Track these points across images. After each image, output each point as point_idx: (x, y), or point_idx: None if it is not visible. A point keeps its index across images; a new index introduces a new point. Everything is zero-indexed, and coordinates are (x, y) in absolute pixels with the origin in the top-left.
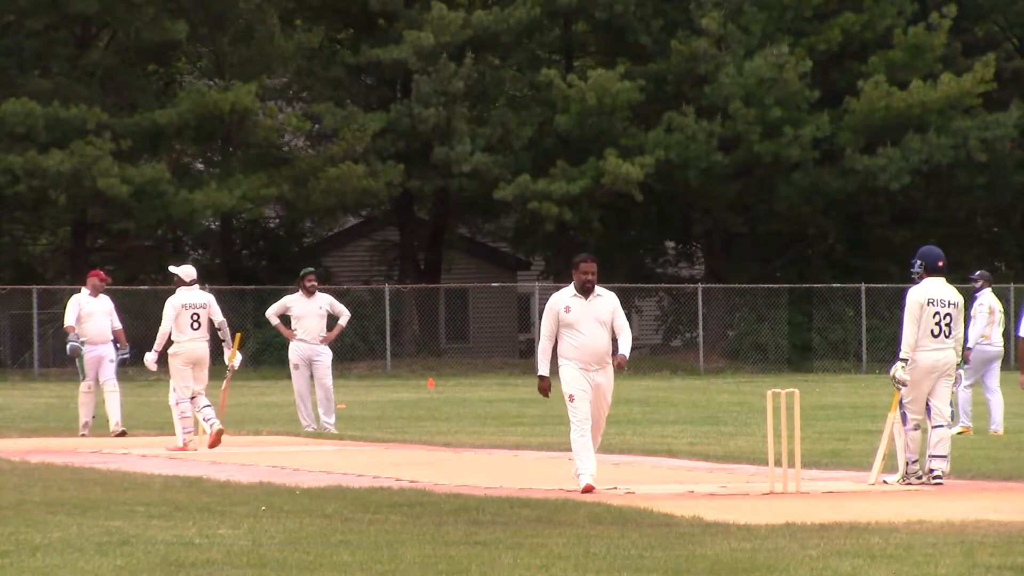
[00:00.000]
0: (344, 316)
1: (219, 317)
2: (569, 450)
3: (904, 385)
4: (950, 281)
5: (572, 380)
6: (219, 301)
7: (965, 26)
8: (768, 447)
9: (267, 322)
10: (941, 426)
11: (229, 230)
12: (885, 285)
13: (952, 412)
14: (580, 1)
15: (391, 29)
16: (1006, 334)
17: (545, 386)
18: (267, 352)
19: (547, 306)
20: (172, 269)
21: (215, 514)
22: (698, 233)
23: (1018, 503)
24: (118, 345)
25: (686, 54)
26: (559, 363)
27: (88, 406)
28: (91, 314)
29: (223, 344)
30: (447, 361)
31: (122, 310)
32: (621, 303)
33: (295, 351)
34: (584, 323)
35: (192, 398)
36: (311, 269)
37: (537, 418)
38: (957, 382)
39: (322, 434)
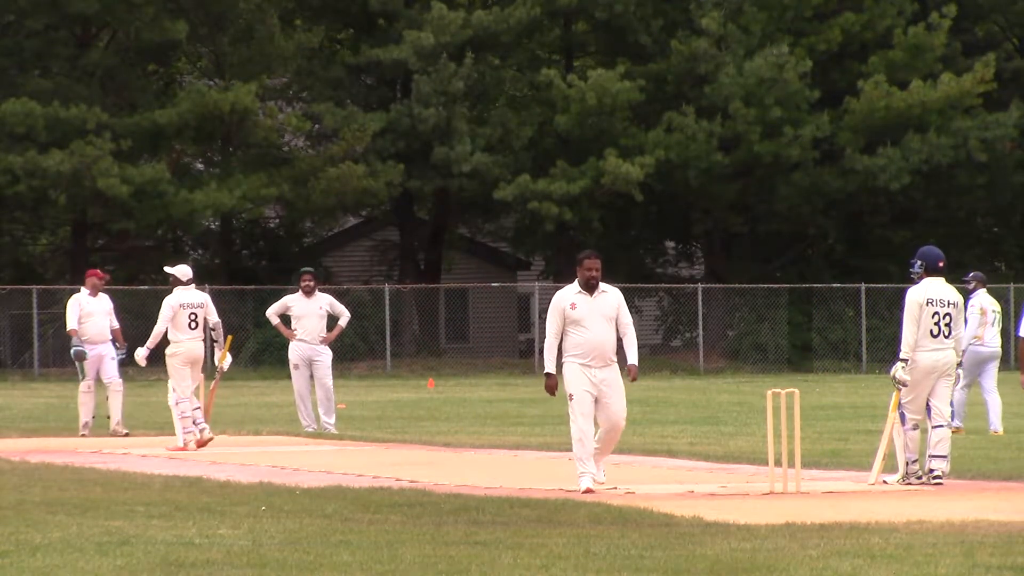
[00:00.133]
0: (344, 316)
1: (214, 318)
2: (569, 450)
3: (904, 385)
4: (947, 281)
5: (574, 379)
6: (219, 301)
7: (965, 26)
8: (768, 447)
9: (267, 322)
10: (941, 426)
11: (229, 230)
12: (885, 285)
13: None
14: (580, 1)
15: (391, 29)
16: (1006, 334)
17: (552, 384)
18: (267, 352)
19: (552, 304)
20: (168, 269)
21: (215, 514)
22: (698, 233)
23: (1018, 503)
24: (116, 344)
25: (686, 54)
26: (563, 360)
27: (88, 406)
28: (91, 314)
29: (215, 345)
30: (447, 361)
31: (122, 310)
32: None
33: (295, 351)
34: (590, 320)
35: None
36: (308, 269)
37: (537, 418)
38: (957, 382)
39: (322, 434)
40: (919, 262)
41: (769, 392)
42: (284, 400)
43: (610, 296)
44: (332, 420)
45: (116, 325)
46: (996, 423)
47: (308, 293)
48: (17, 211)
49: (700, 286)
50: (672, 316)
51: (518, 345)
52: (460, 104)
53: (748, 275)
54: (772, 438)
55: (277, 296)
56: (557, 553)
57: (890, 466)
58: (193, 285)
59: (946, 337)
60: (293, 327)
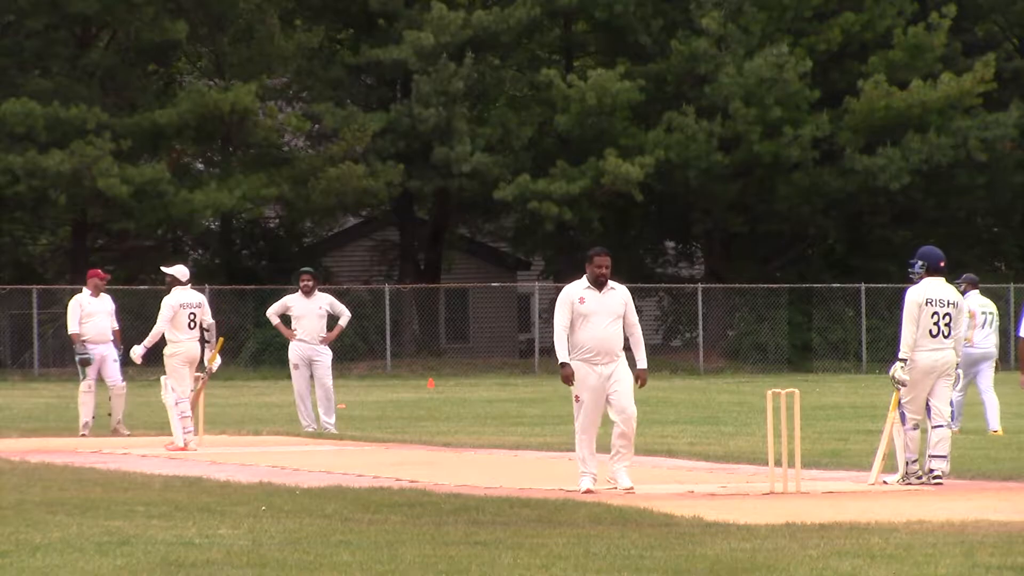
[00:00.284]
0: (344, 316)
1: (209, 319)
2: (570, 450)
3: (903, 385)
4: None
5: (581, 380)
6: (219, 301)
7: (965, 26)
8: (768, 447)
9: (267, 322)
10: (941, 426)
11: (229, 230)
12: (885, 285)
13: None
14: (580, 1)
15: (391, 29)
16: (1006, 334)
17: (568, 372)
18: (267, 352)
19: (561, 297)
20: (166, 270)
21: (215, 514)
22: (698, 233)
23: (1018, 503)
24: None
25: (686, 54)
26: (569, 359)
27: (88, 406)
28: (92, 314)
29: (207, 345)
30: (447, 361)
31: (122, 310)
32: None
33: (295, 351)
34: (598, 315)
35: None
36: (307, 269)
37: (537, 418)
38: (957, 382)
39: (322, 434)
40: (920, 262)
41: (769, 392)
42: (284, 400)
43: (619, 293)
44: (332, 420)
45: (116, 326)
46: (994, 422)
47: (307, 293)
48: (17, 211)
49: (700, 286)
50: (672, 316)
51: (518, 345)
52: (460, 104)
53: (748, 275)
54: (772, 438)
55: (277, 296)
56: (557, 553)
57: (890, 466)
58: (190, 285)
59: (945, 337)
60: (293, 327)
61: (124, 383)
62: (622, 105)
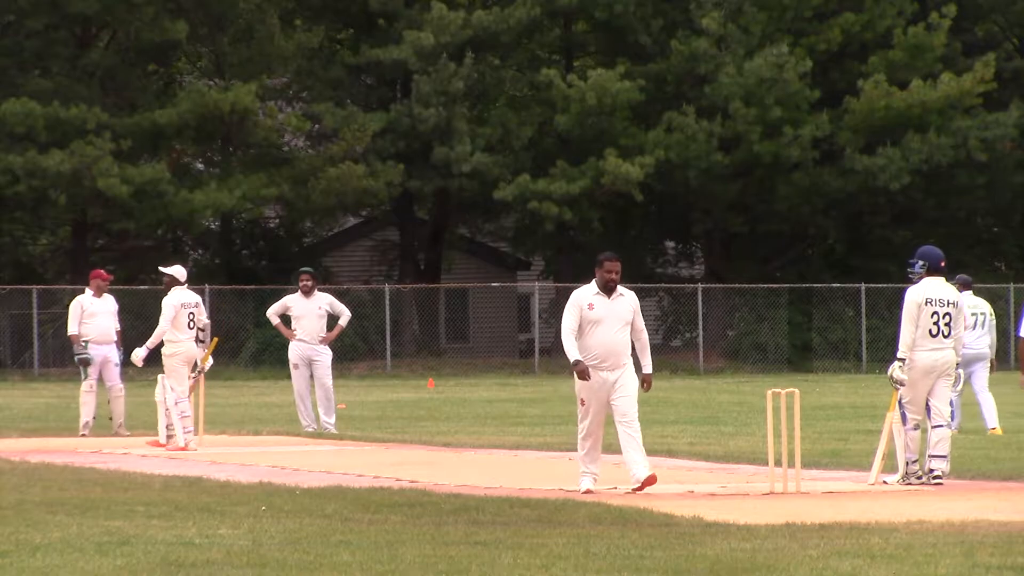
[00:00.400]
0: (344, 316)
1: (205, 319)
2: (571, 449)
3: (902, 385)
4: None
5: (586, 385)
6: (219, 301)
7: (965, 26)
8: (768, 447)
9: (267, 322)
10: (941, 426)
11: (229, 230)
12: (885, 285)
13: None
14: (580, 1)
15: (391, 29)
16: (1006, 334)
17: (583, 368)
18: (267, 352)
19: (570, 301)
20: (164, 270)
21: (215, 514)
22: (698, 233)
23: (1018, 503)
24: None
25: (686, 54)
26: None
27: (89, 405)
28: (94, 314)
29: (200, 345)
30: (447, 361)
31: (122, 310)
32: None
33: (294, 351)
34: (606, 321)
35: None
36: (307, 269)
37: (537, 418)
38: (957, 382)
39: (322, 434)
40: (921, 262)
41: (769, 392)
42: (284, 400)
43: (627, 299)
44: (332, 420)
45: (119, 327)
46: (992, 421)
47: (307, 293)
48: (17, 211)
49: (700, 286)
50: (672, 316)
51: (518, 345)
52: (460, 104)
53: (748, 275)
54: (772, 438)
55: (277, 296)
56: (557, 553)
57: (890, 466)
58: (186, 285)
59: (946, 337)
60: (293, 327)
61: (123, 386)
62: (622, 105)
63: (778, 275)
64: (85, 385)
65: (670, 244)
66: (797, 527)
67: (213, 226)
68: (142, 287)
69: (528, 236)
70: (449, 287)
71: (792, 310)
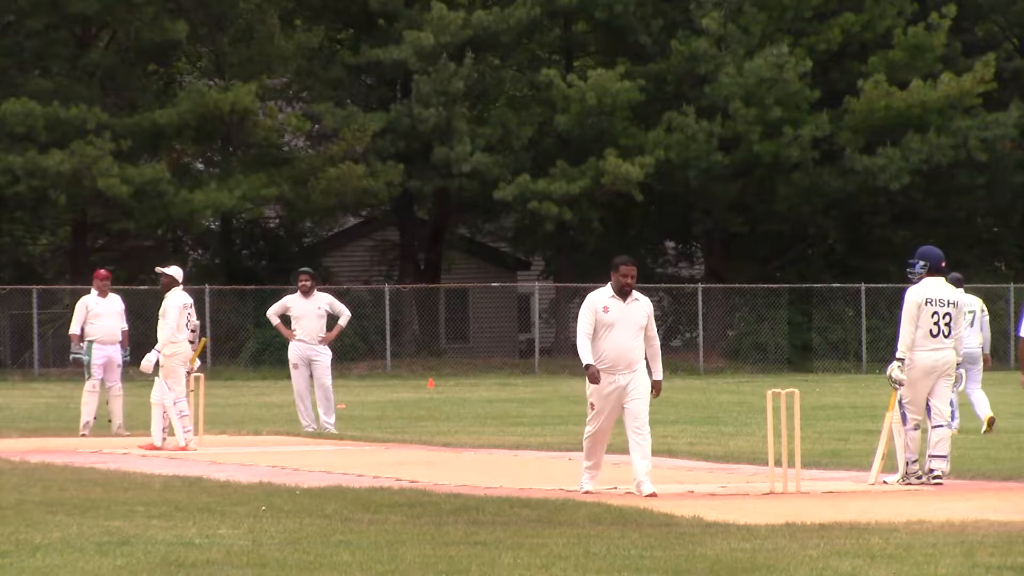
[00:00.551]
0: (344, 316)
1: (195, 319)
2: (571, 449)
3: (901, 385)
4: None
5: (597, 388)
6: (219, 301)
7: (965, 26)
8: (768, 447)
9: (267, 322)
10: (941, 426)
11: (229, 230)
12: (885, 285)
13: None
14: (580, 1)
15: (391, 29)
16: (1006, 334)
17: (594, 371)
18: (267, 352)
19: (585, 303)
20: (163, 270)
21: (215, 514)
22: (698, 233)
23: (1018, 503)
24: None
25: (686, 54)
26: None
27: (91, 405)
28: (100, 315)
29: (191, 345)
30: (447, 361)
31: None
32: None
33: (294, 351)
34: (620, 325)
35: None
36: (306, 269)
37: (537, 418)
38: (958, 382)
39: (322, 434)
40: (921, 262)
41: (769, 392)
42: (284, 400)
43: (642, 304)
44: (332, 420)
45: (125, 327)
46: (985, 410)
47: (306, 293)
48: (17, 211)
49: (700, 286)
50: (672, 316)
51: (518, 345)
52: (460, 104)
53: (748, 275)
54: (772, 438)
55: (277, 296)
56: (557, 553)
57: (890, 466)
58: (182, 285)
59: (946, 337)
60: (292, 327)
61: (121, 386)
62: (622, 105)
63: (778, 275)
64: (88, 385)
65: (670, 244)
66: (797, 527)
67: (213, 226)
68: (142, 287)
69: (528, 236)
70: (449, 287)
71: (792, 310)
